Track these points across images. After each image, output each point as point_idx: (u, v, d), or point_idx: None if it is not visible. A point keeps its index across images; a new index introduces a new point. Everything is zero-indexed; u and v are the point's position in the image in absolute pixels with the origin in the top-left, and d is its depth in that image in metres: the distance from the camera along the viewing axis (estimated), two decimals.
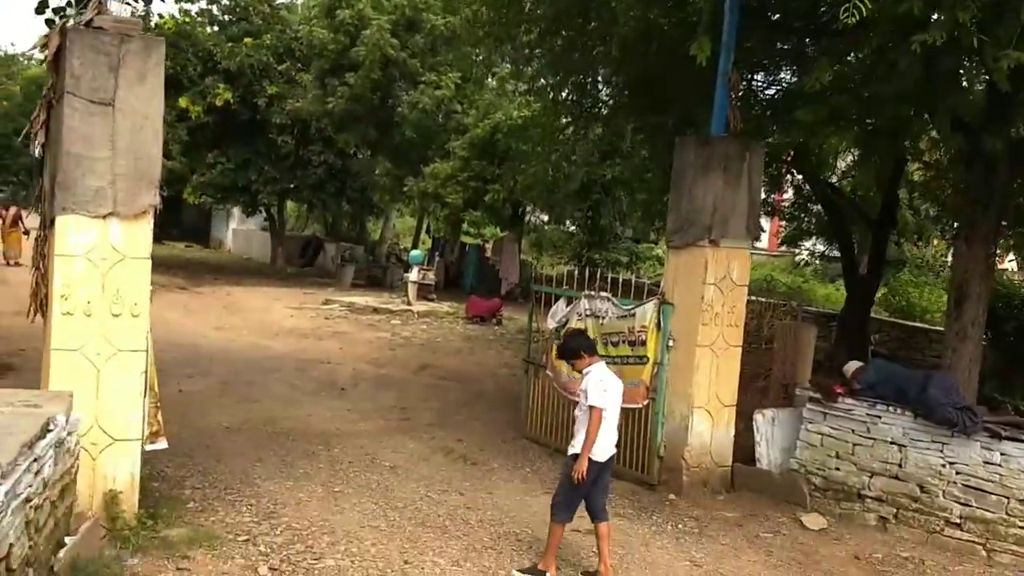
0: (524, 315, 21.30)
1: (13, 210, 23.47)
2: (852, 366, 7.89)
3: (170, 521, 5.92)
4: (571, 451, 5.74)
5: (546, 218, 25.20)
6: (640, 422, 7.89)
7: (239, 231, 36.03)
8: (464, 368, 13.69)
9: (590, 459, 5.55)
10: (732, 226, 7.63)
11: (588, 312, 8.46)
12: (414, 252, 21.98)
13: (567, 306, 8.77)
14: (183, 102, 23.22)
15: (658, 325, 7.83)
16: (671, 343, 7.76)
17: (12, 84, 49.35)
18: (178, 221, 38.32)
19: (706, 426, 7.68)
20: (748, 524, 7.13)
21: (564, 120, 11.99)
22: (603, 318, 8.28)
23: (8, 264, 22.14)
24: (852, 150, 12.73)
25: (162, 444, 6.28)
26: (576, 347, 5.89)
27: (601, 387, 5.60)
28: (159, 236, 27.75)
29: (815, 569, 6.39)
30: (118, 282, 5.59)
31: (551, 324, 8.89)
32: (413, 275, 19.74)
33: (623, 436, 7.89)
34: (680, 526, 6.98)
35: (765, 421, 7.99)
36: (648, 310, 7.88)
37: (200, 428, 8.62)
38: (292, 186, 26.27)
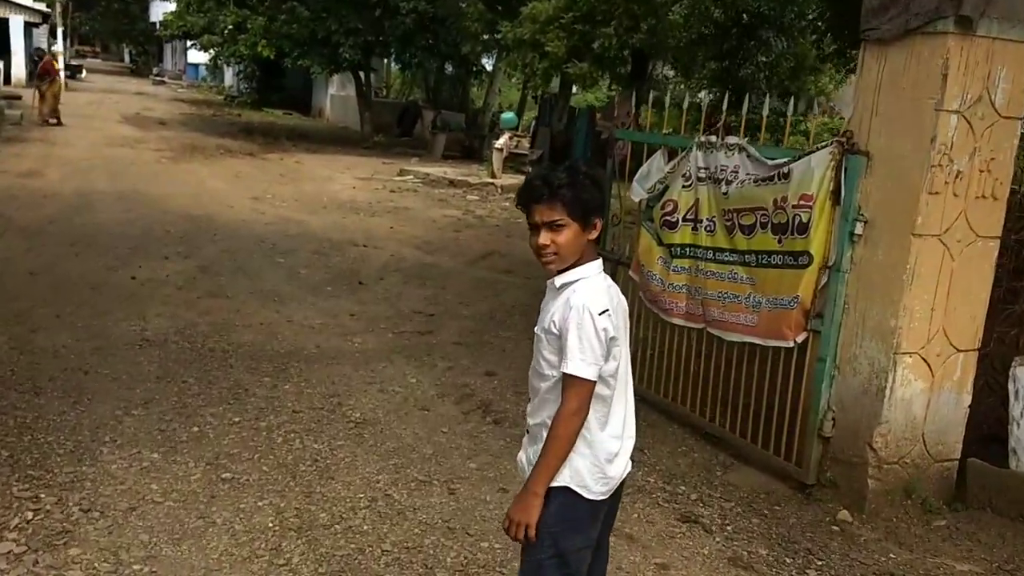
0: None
1: (46, 58, 21.02)
2: None
3: None
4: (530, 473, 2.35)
5: (672, 74, 20.86)
6: (786, 372, 4.39)
7: (336, 97, 33.24)
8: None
9: (569, 496, 2.28)
10: None
11: (704, 172, 4.87)
12: (506, 114, 18.42)
13: (668, 162, 5.19)
14: None
15: (835, 195, 4.18)
16: (858, 228, 4.11)
17: None
18: (280, 87, 36.10)
19: (920, 388, 4.07)
20: None
21: None
22: (729, 182, 4.67)
23: (47, 122, 19.78)
24: None
25: None
26: (554, 184, 2.24)
27: (593, 328, 2.21)
28: (258, 103, 25.18)
29: None
30: None
31: (638, 193, 5.36)
32: (500, 142, 16.25)
33: (750, 395, 4.60)
34: None
35: None
36: (818, 165, 4.21)
37: (110, 336, 5.79)
38: (378, 38, 22.90)
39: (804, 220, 4.25)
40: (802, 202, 4.26)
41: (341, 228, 11.05)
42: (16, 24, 29.55)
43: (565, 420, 2.20)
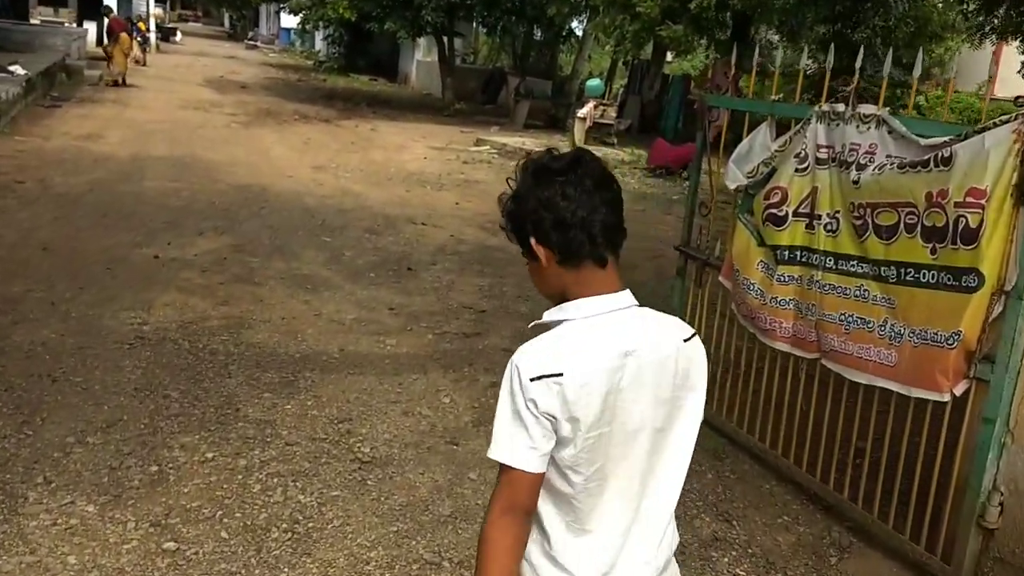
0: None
1: (112, 17, 20.50)
2: None
3: None
4: None
5: (777, 38, 19.07)
6: (935, 432, 3.18)
7: (423, 63, 32.38)
8: None
9: None
10: None
11: (825, 153, 3.65)
12: (591, 81, 17.10)
13: (776, 138, 3.97)
14: None
15: (1019, 191, 2.93)
16: None
17: None
18: (367, 52, 35.55)
19: None
20: None
21: None
22: (861, 167, 3.44)
23: (117, 83, 19.22)
24: None
25: None
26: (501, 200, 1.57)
27: (514, 397, 1.43)
28: (345, 68, 24.58)
29: None
30: None
31: (734, 177, 4.16)
32: (583, 111, 15.00)
33: (880, 455, 3.32)
34: None
35: None
36: (995, 148, 2.96)
37: (101, 331, 4.99)
38: (462, 0, 21.82)
39: (972, 225, 3.01)
40: (970, 199, 3.02)
41: (402, 203, 10.12)
42: None
43: (487, 526, 1.46)
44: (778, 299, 3.87)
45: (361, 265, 7.18)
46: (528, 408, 1.39)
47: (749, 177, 4.04)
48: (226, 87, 22.82)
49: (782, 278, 3.85)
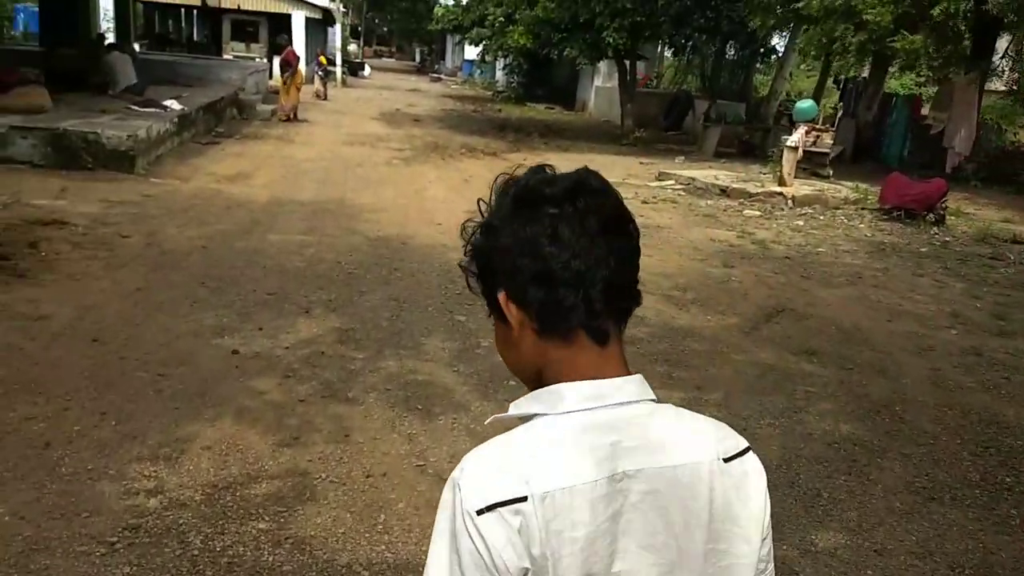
0: (986, 209, 12.92)
1: (287, 49, 19.70)
2: None
3: None
4: None
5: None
6: None
7: (601, 89, 30.53)
8: (860, 321, 6.68)
9: None
10: None
11: None
12: (802, 103, 14.37)
13: None
14: None
15: None
16: None
17: None
18: (546, 80, 34.42)
19: None
20: None
21: None
22: None
23: (290, 118, 18.31)
24: None
25: None
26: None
27: (453, 533, 0.92)
28: (523, 97, 23.30)
29: None
30: None
31: None
32: (794, 138, 12.39)
33: None
34: None
35: None
36: None
37: (91, 500, 3.32)
38: (648, 18, 19.74)
39: None
40: None
41: None
42: (298, 20, 30.18)
43: None
44: None
45: (499, 366, 5.24)
46: (473, 555, 0.91)
47: None
48: (399, 120, 22.02)
49: None
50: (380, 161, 14.26)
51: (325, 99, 25.66)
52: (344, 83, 33.34)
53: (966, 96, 15.14)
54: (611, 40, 19.83)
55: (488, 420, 1.09)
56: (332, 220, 9.12)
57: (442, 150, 16.31)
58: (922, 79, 18.82)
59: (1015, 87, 15.98)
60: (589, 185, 1.03)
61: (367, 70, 43.62)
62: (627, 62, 21.76)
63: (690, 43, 21.48)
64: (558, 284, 0.99)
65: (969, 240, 10.07)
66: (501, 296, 1.02)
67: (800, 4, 14.18)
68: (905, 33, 12.66)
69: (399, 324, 5.84)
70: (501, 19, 21.13)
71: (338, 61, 33.56)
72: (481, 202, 1.06)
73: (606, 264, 0.99)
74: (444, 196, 11.37)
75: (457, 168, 14.21)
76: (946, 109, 15.97)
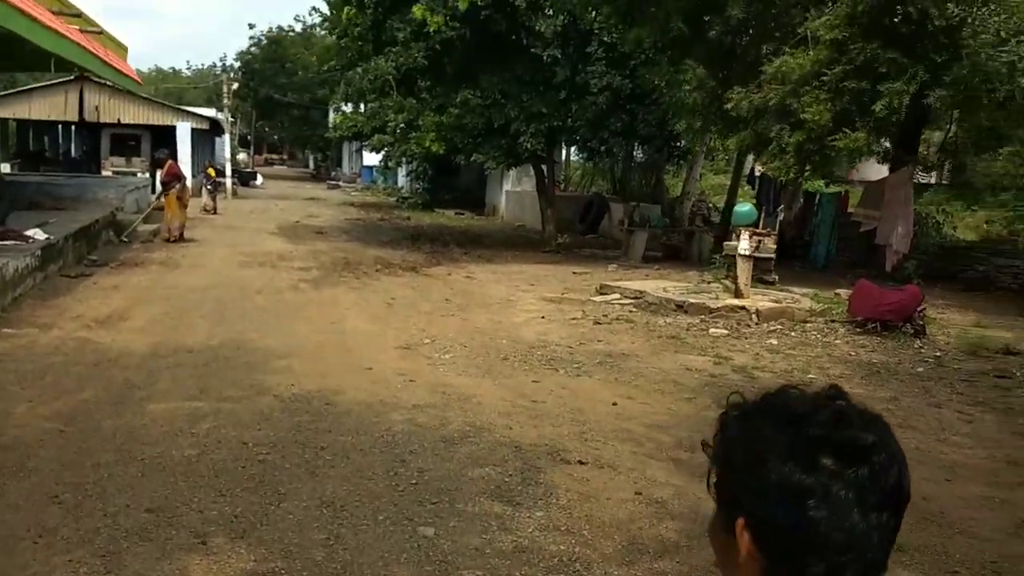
0: (948, 312, 12.10)
1: (168, 163, 17.50)
2: None
3: None
4: None
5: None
6: None
7: (511, 194, 29.84)
8: (917, 484, 5.34)
9: None
10: None
11: None
12: (740, 207, 13.65)
13: None
14: (418, 11, 16.99)
15: None
16: None
17: (309, 55, 48.21)
18: (452, 186, 33.57)
19: None
20: None
21: None
22: None
23: (172, 239, 16.27)
24: None
25: None
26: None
27: None
28: (430, 203, 21.86)
29: None
30: None
31: None
32: (743, 245, 11.42)
33: None
34: None
35: None
36: None
37: None
38: (564, 123, 19.04)
39: None
40: None
41: (532, 411, 6.59)
42: (183, 131, 28.33)
43: None
44: None
45: None
46: None
47: None
48: (300, 234, 20.34)
49: None
50: (284, 285, 12.50)
51: (215, 213, 23.78)
52: (235, 194, 31.50)
53: (900, 192, 14.73)
54: (528, 145, 18.99)
55: None
56: (231, 374, 7.30)
57: (354, 267, 14.70)
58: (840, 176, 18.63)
59: (945, 182, 15.78)
60: (884, 438, 0.95)
61: (259, 179, 41.89)
62: (544, 167, 20.96)
63: (604, 146, 20.89)
64: (807, 549, 0.93)
65: (959, 354, 9.10)
66: (739, 522, 0.98)
67: (729, 105, 13.56)
68: (847, 131, 12.08)
69: (341, 553, 4.08)
70: (403, 125, 20.11)
71: (228, 172, 31.79)
72: (705, 447, 1.03)
73: (868, 540, 0.93)
74: (368, 328, 9.71)
75: (375, 289, 12.60)
76: (876, 206, 15.55)
